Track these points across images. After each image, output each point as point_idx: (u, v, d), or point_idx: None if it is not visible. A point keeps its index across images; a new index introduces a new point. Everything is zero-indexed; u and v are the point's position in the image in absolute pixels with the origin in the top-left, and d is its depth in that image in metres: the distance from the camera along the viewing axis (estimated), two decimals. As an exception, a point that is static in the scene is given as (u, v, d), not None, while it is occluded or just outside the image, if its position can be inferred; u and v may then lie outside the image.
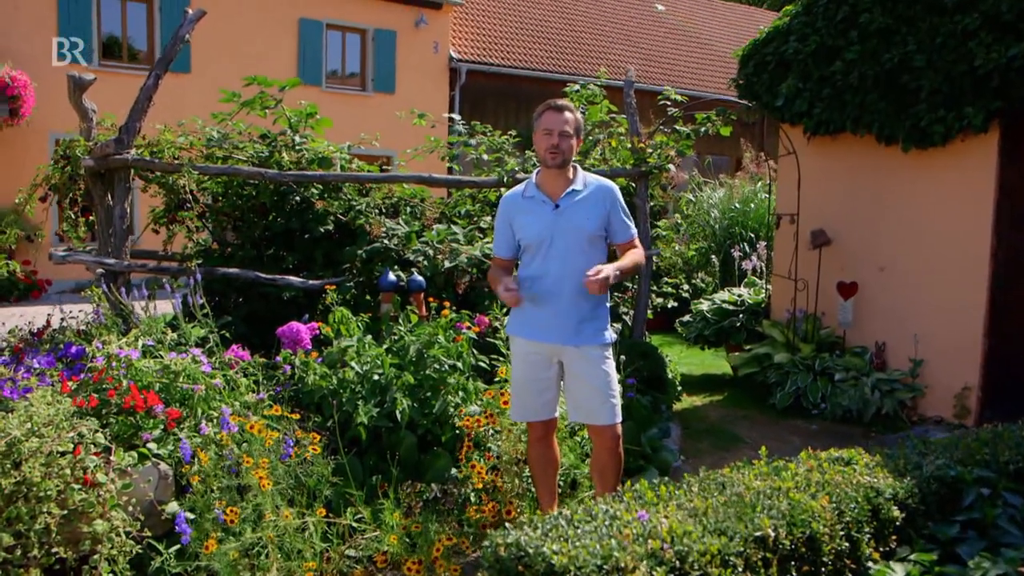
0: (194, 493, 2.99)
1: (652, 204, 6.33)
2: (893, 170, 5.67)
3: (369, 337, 3.98)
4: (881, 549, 2.28)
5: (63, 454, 2.91)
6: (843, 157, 5.97)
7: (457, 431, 3.73)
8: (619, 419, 3.13)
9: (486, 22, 17.66)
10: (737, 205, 9.54)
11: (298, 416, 3.45)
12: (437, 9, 15.94)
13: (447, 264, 4.77)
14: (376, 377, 3.74)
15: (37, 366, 3.65)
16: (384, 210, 5.38)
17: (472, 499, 3.47)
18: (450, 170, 7.41)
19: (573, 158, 3.15)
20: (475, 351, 4.23)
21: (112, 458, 3.02)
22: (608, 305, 3.23)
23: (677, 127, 6.11)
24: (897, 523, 2.34)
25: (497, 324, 4.47)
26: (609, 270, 2.96)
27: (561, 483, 3.73)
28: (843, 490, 2.29)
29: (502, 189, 4.95)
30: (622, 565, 1.75)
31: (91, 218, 4.82)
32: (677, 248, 8.92)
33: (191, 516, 2.96)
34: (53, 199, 4.79)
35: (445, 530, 3.10)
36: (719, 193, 10.08)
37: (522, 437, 3.52)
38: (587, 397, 3.11)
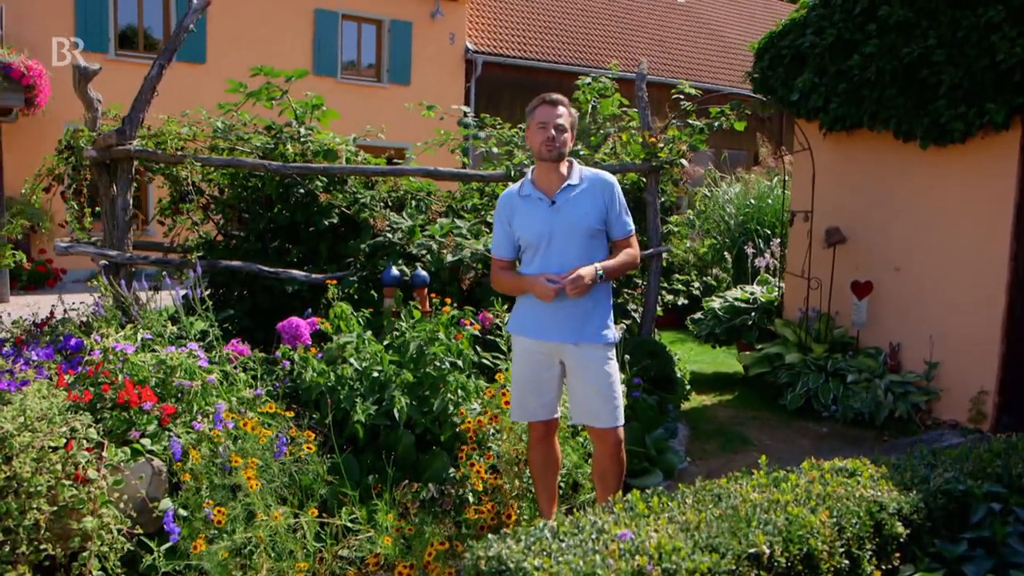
0: (186, 490, 2.96)
1: (664, 199, 6.21)
2: (910, 167, 5.52)
3: (369, 333, 3.93)
4: (883, 567, 2.19)
5: (55, 449, 2.88)
6: (859, 154, 5.83)
7: (456, 430, 3.67)
8: (621, 422, 3.07)
9: (502, 13, 17.53)
10: (752, 201, 9.40)
11: (293, 413, 3.41)
12: (453, 0, 15.85)
13: (451, 258, 4.71)
14: (375, 374, 3.69)
15: (36, 358, 3.63)
16: (390, 203, 5.32)
17: (470, 500, 3.41)
18: (464, 164, 7.31)
19: (568, 152, 3.07)
20: (479, 348, 4.16)
21: (104, 454, 2.99)
22: (611, 303, 3.15)
23: (690, 121, 5.99)
24: (901, 540, 2.25)
25: (498, 322, 4.40)
26: (588, 271, 2.89)
27: (562, 484, 3.66)
28: (845, 504, 2.20)
29: (509, 183, 4.87)
30: (606, 583, 1.68)
31: (98, 209, 4.79)
32: (689, 244, 8.80)
33: (184, 513, 2.93)
34: (58, 189, 4.77)
35: (441, 532, 3.04)
36: (735, 188, 9.94)
37: (523, 437, 3.46)
38: (588, 398, 3.05)
